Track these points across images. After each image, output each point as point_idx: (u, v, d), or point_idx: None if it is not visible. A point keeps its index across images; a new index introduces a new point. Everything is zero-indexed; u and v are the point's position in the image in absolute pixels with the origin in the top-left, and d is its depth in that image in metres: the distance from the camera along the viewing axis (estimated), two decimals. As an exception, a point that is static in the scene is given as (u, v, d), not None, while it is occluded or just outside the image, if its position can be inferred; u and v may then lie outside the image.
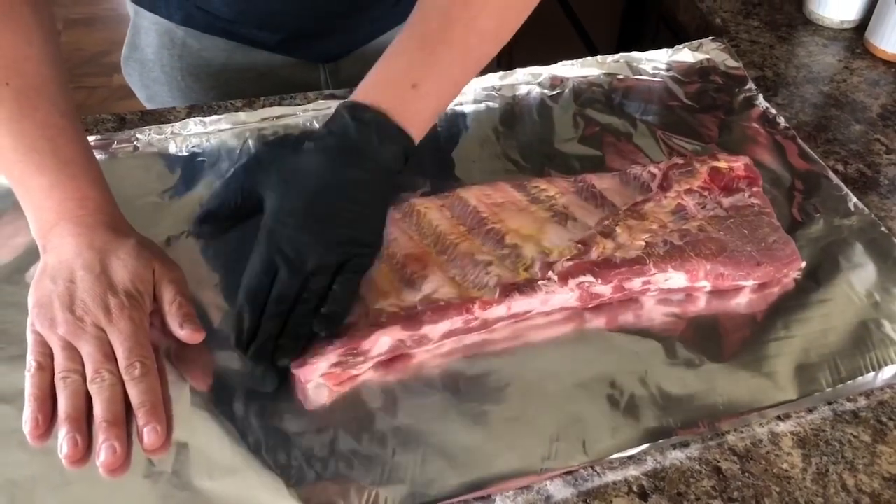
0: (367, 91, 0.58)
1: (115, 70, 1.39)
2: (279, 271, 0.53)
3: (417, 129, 0.57)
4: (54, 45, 0.60)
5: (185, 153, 0.70)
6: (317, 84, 0.86)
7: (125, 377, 0.51)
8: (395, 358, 0.56)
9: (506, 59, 0.82)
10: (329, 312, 0.53)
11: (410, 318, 0.55)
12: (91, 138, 0.67)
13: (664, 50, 0.83)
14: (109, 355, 0.52)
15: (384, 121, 0.56)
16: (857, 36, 0.90)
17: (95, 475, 0.49)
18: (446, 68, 0.59)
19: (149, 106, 0.88)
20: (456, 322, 0.56)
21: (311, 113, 0.74)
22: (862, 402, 0.56)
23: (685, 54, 0.83)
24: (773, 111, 0.77)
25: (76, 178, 0.57)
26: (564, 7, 1.39)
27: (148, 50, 0.84)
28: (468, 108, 0.77)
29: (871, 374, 0.55)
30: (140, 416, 0.50)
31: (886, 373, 0.56)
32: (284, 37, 0.81)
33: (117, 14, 2.61)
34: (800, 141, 0.74)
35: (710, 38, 0.85)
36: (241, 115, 0.73)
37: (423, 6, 0.60)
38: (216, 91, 0.84)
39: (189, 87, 0.85)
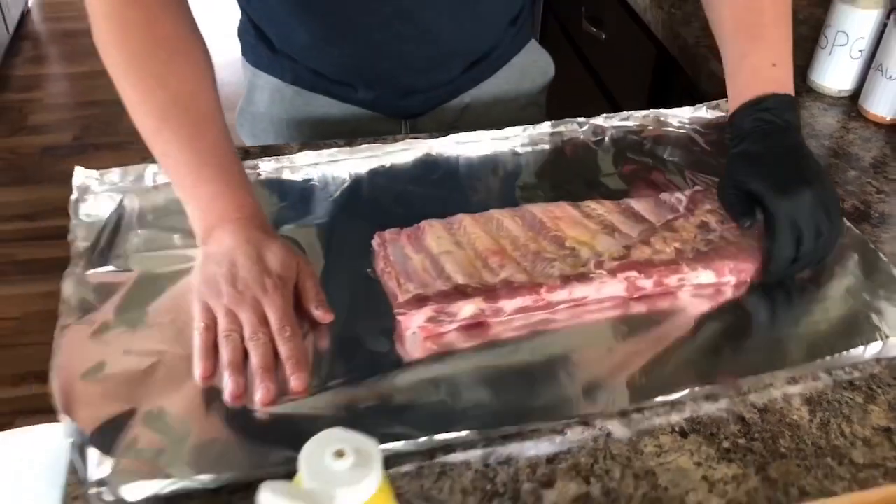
0: (761, 85, 0.76)
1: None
2: (803, 242, 0.69)
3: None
4: (215, 82, 0.75)
5: (299, 179, 0.85)
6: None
7: (277, 337, 0.64)
8: (474, 325, 0.68)
9: (556, 115, 0.97)
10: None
11: (490, 292, 0.68)
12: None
13: (687, 107, 0.97)
14: (264, 321, 0.65)
15: (792, 99, 0.76)
16: (852, 102, 1.04)
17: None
18: (782, 42, 0.78)
19: None
20: (526, 300, 0.68)
21: (399, 146, 0.88)
22: (856, 374, 0.67)
23: (704, 112, 0.97)
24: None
25: (236, 190, 0.71)
26: (596, 81, 1.56)
27: (260, 105, 1.00)
28: (527, 149, 0.91)
29: (861, 348, 0.67)
30: (289, 367, 0.62)
31: (872, 349, 0.67)
32: (377, 96, 0.97)
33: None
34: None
35: (725, 99, 1.00)
36: (346, 150, 0.87)
37: (722, 24, 0.82)
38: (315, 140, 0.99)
39: (292, 136, 1.00)
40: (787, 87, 0.77)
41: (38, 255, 2.12)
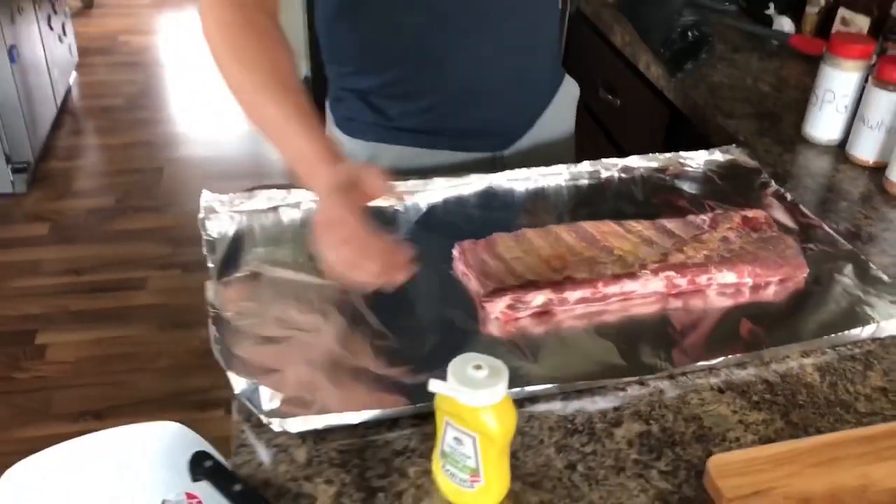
0: None
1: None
2: None
3: None
4: (297, 67, 0.91)
5: (385, 206, 1.01)
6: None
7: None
8: (543, 313, 0.83)
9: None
10: None
11: (557, 285, 0.84)
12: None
13: (702, 151, 1.15)
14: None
15: None
16: (840, 150, 1.21)
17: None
18: None
19: None
20: (586, 292, 0.84)
21: (463, 181, 1.05)
22: (856, 350, 0.83)
23: (717, 155, 1.15)
24: (782, 190, 1.07)
25: (322, 141, 0.84)
26: (609, 139, 1.75)
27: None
28: (570, 184, 1.08)
29: (859, 328, 0.82)
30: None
31: (868, 330, 0.83)
32: (461, 137, 1.13)
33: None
34: (802, 207, 1.04)
35: (734, 144, 1.18)
36: (421, 183, 1.04)
37: None
38: None
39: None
40: None
41: (87, 306, 2.26)
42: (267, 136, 0.89)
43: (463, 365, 0.59)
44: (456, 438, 0.60)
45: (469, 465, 0.61)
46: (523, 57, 1.11)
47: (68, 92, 3.41)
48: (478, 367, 0.58)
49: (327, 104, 1.20)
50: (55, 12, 3.17)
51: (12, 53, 2.55)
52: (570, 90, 1.26)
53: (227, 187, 1.01)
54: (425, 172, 1.07)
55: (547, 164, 1.10)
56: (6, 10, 2.54)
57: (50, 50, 3.05)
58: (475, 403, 0.58)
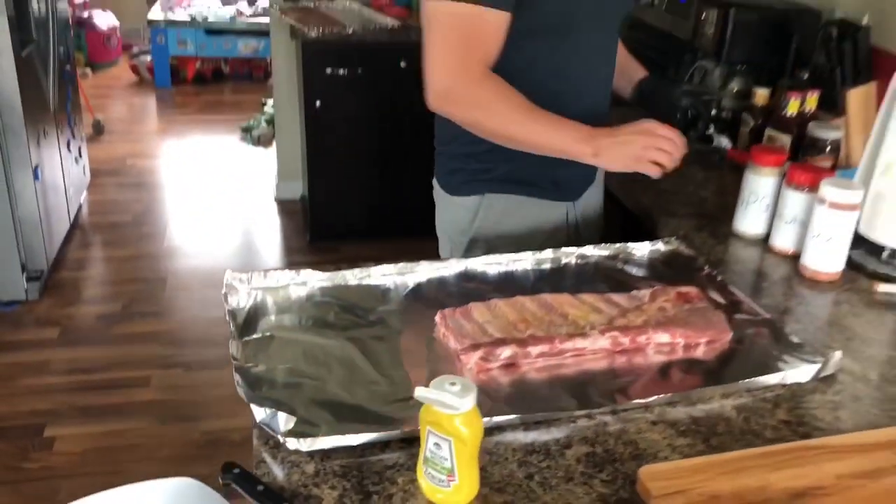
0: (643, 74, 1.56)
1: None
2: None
3: None
4: None
5: (377, 284, 1.19)
6: (562, 215, 1.47)
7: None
8: (509, 365, 1.00)
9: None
10: None
11: (521, 342, 1.01)
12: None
13: (647, 242, 1.34)
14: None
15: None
16: (765, 242, 1.42)
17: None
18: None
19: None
20: (545, 347, 1.01)
21: (444, 265, 1.23)
22: (768, 394, 0.99)
23: (660, 245, 1.34)
24: (714, 272, 1.26)
25: (579, 126, 1.26)
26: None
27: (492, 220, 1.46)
28: (535, 267, 1.26)
29: (770, 375, 0.99)
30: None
31: (776, 378, 0.99)
32: (548, 187, 1.40)
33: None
34: (730, 287, 1.22)
35: (675, 237, 1.37)
36: (409, 266, 1.22)
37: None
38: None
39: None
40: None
41: (93, 402, 2.38)
42: (538, 142, 1.27)
43: (441, 382, 0.75)
44: (436, 444, 0.76)
45: (446, 466, 0.76)
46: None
47: (80, 209, 3.63)
48: (452, 384, 0.75)
49: (435, 182, 1.52)
50: (73, 136, 3.44)
51: (36, 172, 2.78)
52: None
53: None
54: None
55: (599, 216, 1.47)
56: (34, 133, 2.79)
57: (67, 170, 3.30)
58: (450, 411, 0.74)
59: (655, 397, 0.95)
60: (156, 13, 5.74)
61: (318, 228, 3.46)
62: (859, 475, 0.83)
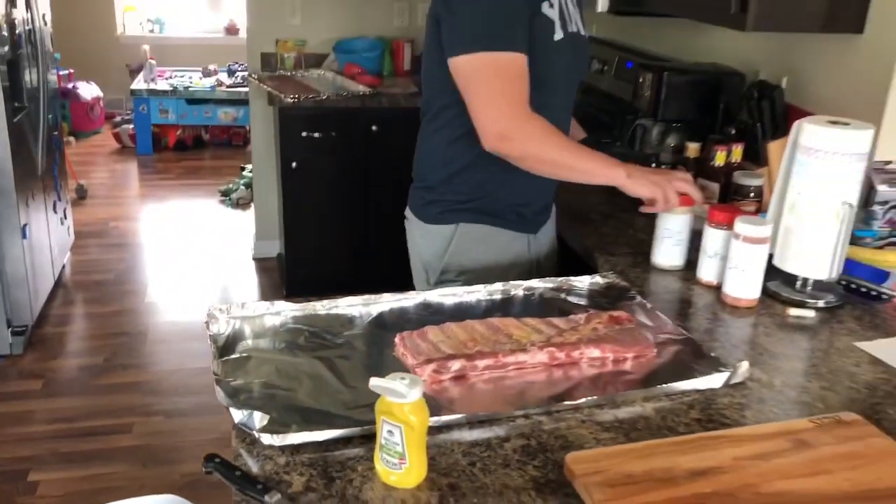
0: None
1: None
2: None
3: None
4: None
5: (346, 314, 1.32)
6: (524, 245, 1.65)
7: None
8: (459, 377, 1.13)
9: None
10: None
11: (469, 356, 1.14)
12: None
13: (587, 276, 1.49)
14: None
15: None
16: (684, 272, 1.56)
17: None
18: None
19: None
20: (490, 361, 1.14)
21: (404, 296, 1.37)
22: (685, 398, 1.12)
23: (598, 279, 1.49)
24: (643, 300, 1.41)
25: (618, 162, 1.49)
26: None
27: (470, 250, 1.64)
28: (486, 298, 1.40)
29: (685, 381, 1.13)
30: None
31: (690, 384, 1.13)
32: (514, 219, 1.57)
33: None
34: (658, 312, 1.36)
35: (612, 272, 1.52)
36: (373, 298, 1.36)
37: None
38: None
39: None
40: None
41: (76, 448, 2.45)
42: (584, 167, 1.49)
43: (393, 377, 0.88)
44: (389, 431, 0.89)
45: (398, 451, 0.89)
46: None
47: (63, 268, 3.73)
48: (402, 379, 0.88)
49: (410, 213, 1.70)
50: (59, 199, 3.57)
51: (24, 231, 2.90)
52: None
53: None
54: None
55: (554, 251, 1.67)
56: (23, 195, 2.92)
57: (53, 231, 3.41)
58: (400, 400, 0.87)
59: (584, 399, 1.08)
60: (139, 84, 5.93)
61: (294, 284, 3.59)
62: (753, 457, 0.96)
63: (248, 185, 4.92)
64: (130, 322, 3.36)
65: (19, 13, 2.91)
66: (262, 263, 4.02)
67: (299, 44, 3.70)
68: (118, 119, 6.38)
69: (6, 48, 2.74)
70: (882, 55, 1.73)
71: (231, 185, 5.04)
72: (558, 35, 1.49)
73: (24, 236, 2.88)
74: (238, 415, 0.99)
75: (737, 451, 0.97)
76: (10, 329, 2.92)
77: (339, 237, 3.55)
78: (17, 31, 2.87)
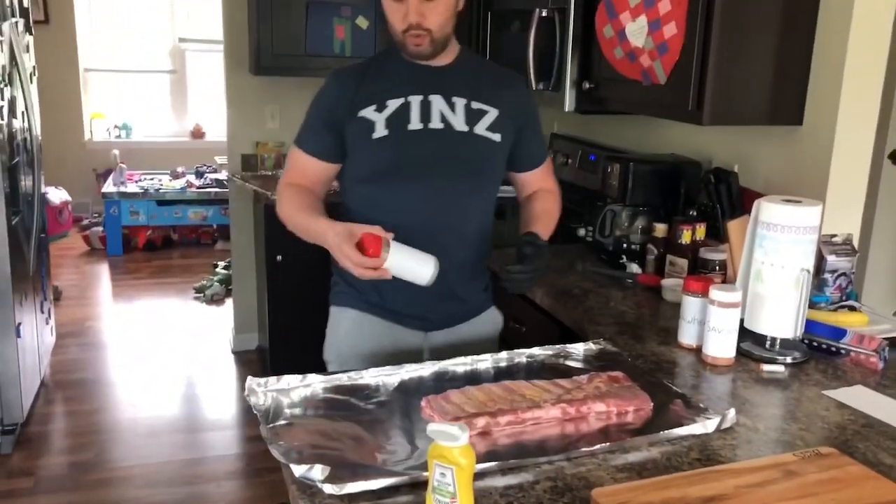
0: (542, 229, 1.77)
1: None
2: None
3: None
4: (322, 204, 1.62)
5: (371, 384, 1.44)
6: (419, 345, 1.74)
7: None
8: (484, 433, 1.26)
9: (504, 347, 1.62)
10: None
11: (491, 414, 1.27)
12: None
13: (581, 343, 1.64)
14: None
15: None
16: (676, 343, 1.73)
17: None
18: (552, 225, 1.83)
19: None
20: (510, 417, 1.27)
21: (422, 366, 1.50)
22: (683, 442, 1.27)
23: (591, 345, 1.65)
24: (636, 363, 1.56)
25: (327, 222, 1.59)
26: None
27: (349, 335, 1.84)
28: (494, 365, 1.54)
29: (682, 428, 1.27)
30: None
31: (687, 430, 1.28)
32: (409, 315, 1.68)
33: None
34: (648, 372, 1.52)
35: (602, 340, 1.68)
36: (394, 369, 1.48)
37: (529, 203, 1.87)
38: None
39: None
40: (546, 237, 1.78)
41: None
42: (304, 234, 1.69)
43: (443, 425, 1.01)
44: (441, 473, 1.01)
45: (450, 491, 1.01)
46: (456, 275, 1.72)
47: (46, 367, 3.74)
48: (451, 426, 1.01)
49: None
50: (45, 299, 3.61)
51: (19, 330, 2.95)
52: (494, 317, 1.85)
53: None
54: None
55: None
56: (18, 294, 2.98)
57: (39, 331, 3.45)
58: (452, 443, 0.99)
59: (599, 446, 1.22)
60: (109, 187, 6.04)
61: (278, 373, 3.64)
62: (751, 485, 1.10)
63: (222, 282, 5.01)
64: (115, 418, 3.37)
65: (18, 122, 3.04)
66: (241, 356, 4.08)
67: (278, 145, 3.89)
68: (85, 222, 6.44)
69: (5, 156, 2.86)
70: (819, 142, 1.98)
71: (206, 282, 5.11)
72: (380, 133, 1.68)
73: (18, 335, 2.93)
74: (299, 469, 1.10)
75: (737, 481, 1.11)
76: (1, 428, 2.92)
77: (323, 325, 3.65)
78: (15, 141, 3.00)
